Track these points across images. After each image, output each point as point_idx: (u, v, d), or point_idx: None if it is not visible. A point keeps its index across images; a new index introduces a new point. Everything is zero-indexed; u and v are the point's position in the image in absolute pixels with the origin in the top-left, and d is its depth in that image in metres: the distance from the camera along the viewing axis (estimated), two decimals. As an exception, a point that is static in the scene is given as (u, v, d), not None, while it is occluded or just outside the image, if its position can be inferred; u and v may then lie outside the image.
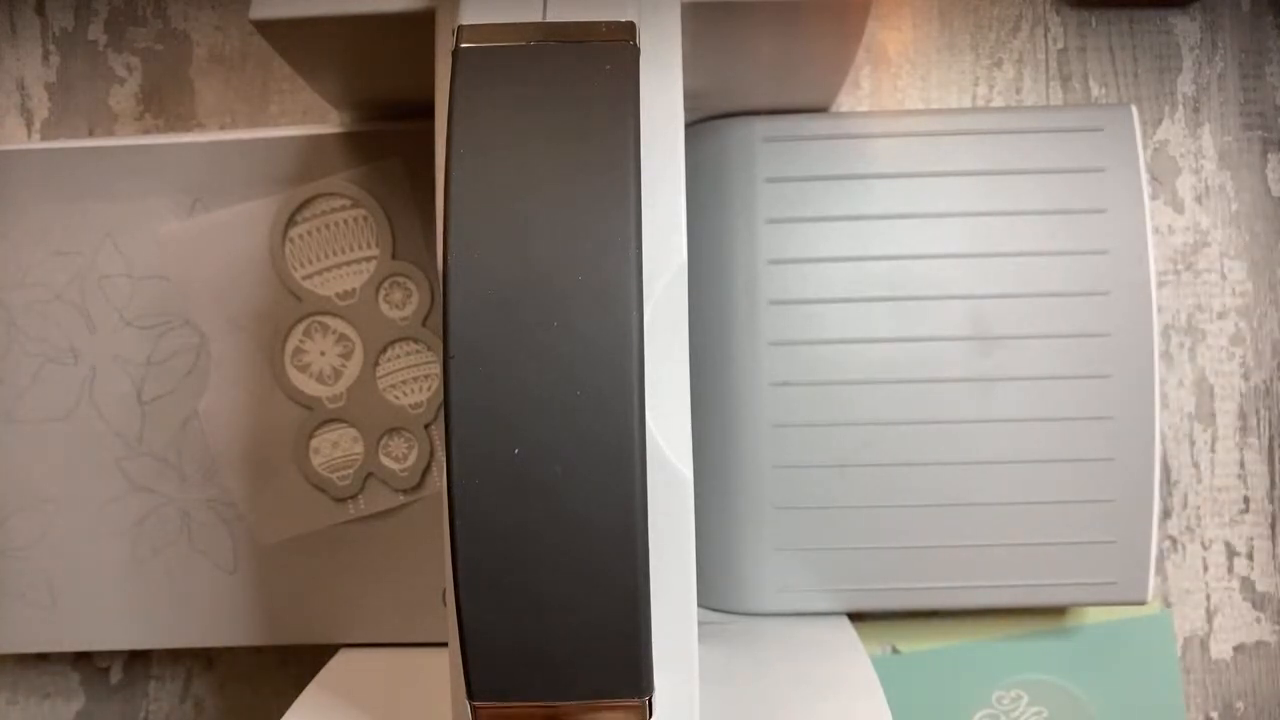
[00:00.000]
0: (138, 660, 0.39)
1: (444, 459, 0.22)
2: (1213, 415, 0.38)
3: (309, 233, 0.35)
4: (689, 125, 0.35)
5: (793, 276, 0.35)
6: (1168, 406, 0.38)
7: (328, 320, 0.35)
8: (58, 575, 0.36)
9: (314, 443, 0.35)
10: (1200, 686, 0.38)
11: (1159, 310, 0.37)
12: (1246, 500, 0.38)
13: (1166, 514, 0.38)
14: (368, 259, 0.35)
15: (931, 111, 0.38)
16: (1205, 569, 0.38)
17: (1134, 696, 0.38)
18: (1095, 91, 0.39)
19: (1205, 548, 0.38)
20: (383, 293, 0.35)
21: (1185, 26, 0.39)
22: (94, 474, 0.36)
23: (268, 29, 0.28)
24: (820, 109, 0.36)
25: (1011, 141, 0.35)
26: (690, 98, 0.27)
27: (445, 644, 0.27)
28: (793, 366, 0.35)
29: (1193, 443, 0.38)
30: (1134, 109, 0.35)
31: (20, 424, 0.36)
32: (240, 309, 0.36)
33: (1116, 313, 0.35)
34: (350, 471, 0.35)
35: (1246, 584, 0.38)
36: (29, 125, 0.40)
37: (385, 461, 0.35)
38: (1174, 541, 0.38)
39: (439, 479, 0.35)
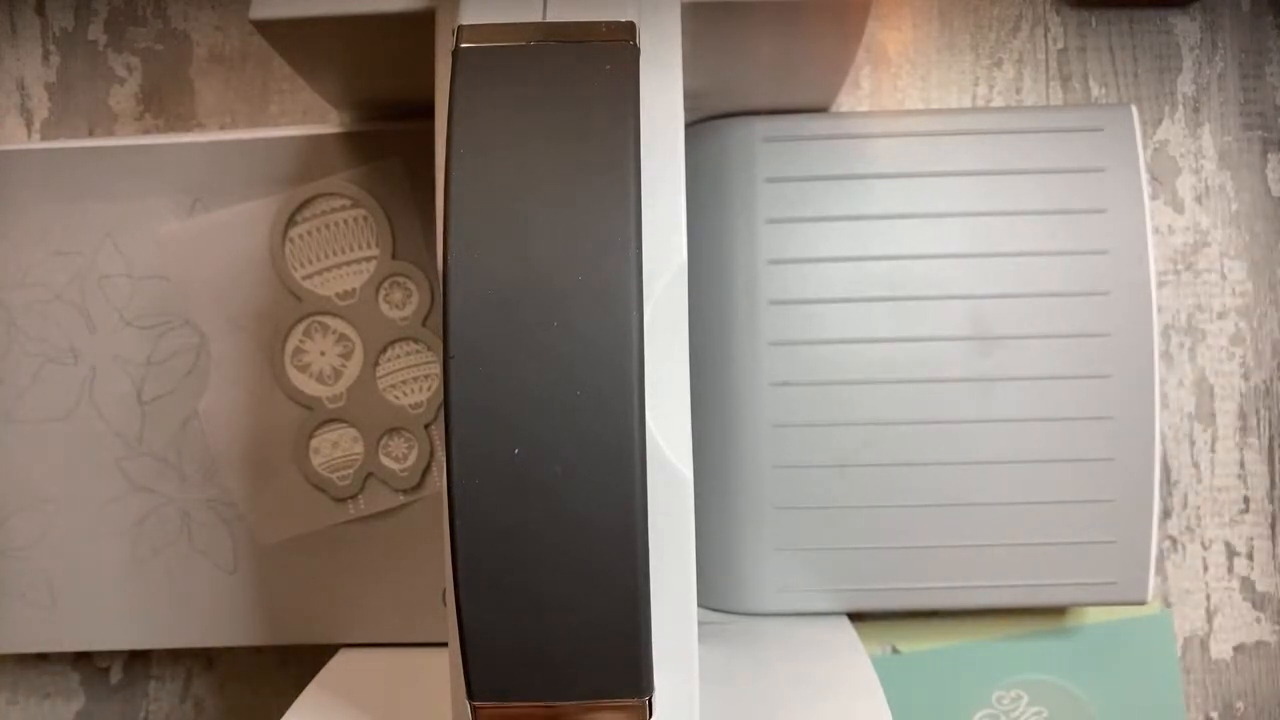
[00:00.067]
0: (138, 660, 0.39)
1: (444, 459, 0.22)
2: (1213, 415, 0.38)
3: (309, 233, 0.35)
4: (689, 125, 0.35)
5: (793, 276, 0.35)
6: (1168, 406, 0.38)
7: (328, 320, 0.35)
8: (58, 575, 0.36)
9: (314, 443, 0.35)
10: (1200, 686, 0.38)
11: (1159, 310, 0.37)
12: (1246, 500, 0.38)
13: (1166, 514, 0.38)
14: (368, 259, 0.35)
15: (931, 111, 0.38)
16: (1205, 569, 0.38)
17: (1134, 696, 0.38)
18: (1095, 91, 0.39)
19: (1205, 548, 0.38)
20: (383, 293, 0.35)
21: (1185, 26, 0.39)
22: (94, 474, 0.36)
23: (268, 29, 0.28)
24: (820, 109, 0.36)
25: (1011, 141, 0.35)
26: (690, 98, 0.27)
27: (445, 644, 0.27)
28: (793, 366, 0.35)
29: (1193, 443, 0.38)
30: (1134, 109, 0.35)
31: (20, 424, 0.36)
32: (240, 309, 0.36)
33: (1116, 313, 0.35)
34: (350, 471, 0.35)
35: (1246, 584, 0.38)
36: (29, 125, 0.40)
37: (385, 461, 0.35)
38: (1174, 541, 0.38)
39: (439, 479, 0.35)
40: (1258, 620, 0.38)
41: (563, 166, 0.22)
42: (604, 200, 0.22)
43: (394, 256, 0.35)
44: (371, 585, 0.36)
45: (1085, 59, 0.39)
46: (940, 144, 0.35)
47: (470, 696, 0.23)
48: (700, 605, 0.36)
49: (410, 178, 0.35)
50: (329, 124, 0.36)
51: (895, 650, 0.38)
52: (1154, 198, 0.38)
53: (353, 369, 0.35)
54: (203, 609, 0.36)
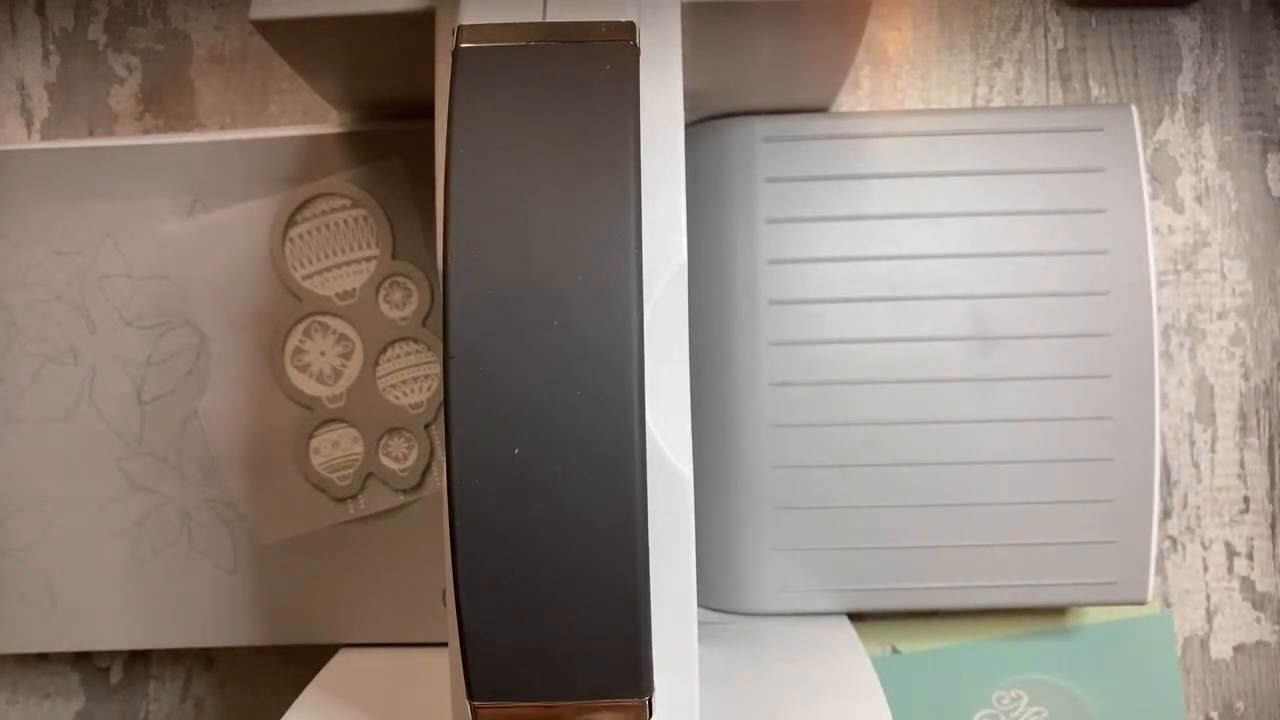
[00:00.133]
0: (138, 660, 0.39)
1: (444, 459, 0.22)
2: (1213, 415, 0.38)
3: (309, 233, 0.35)
4: (689, 125, 0.35)
5: (793, 276, 0.35)
6: (1168, 406, 0.38)
7: (328, 320, 0.35)
8: (58, 575, 0.36)
9: (314, 443, 0.35)
10: (1200, 686, 0.38)
11: (1159, 310, 0.37)
12: (1246, 500, 0.38)
13: (1166, 514, 0.38)
14: (368, 259, 0.35)
15: (931, 111, 0.38)
16: (1205, 569, 0.38)
17: (1134, 696, 0.38)
18: (1095, 91, 0.39)
19: (1205, 548, 0.38)
20: (383, 293, 0.35)
21: (1185, 26, 0.39)
22: (94, 474, 0.36)
23: (268, 29, 0.28)
24: (820, 109, 0.36)
25: (1011, 141, 0.35)
26: (690, 98, 0.27)
27: (445, 644, 0.27)
28: (793, 366, 0.35)
29: (1193, 443, 0.38)
30: (1134, 109, 0.35)
31: (20, 424, 0.36)
32: (240, 309, 0.36)
33: (1116, 313, 0.35)
34: (350, 471, 0.35)
35: (1246, 584, 0.38)
36: (29, 125, 0.40)
37: (385, 461, 0.35)
38: (1174, 541, 0.38)
39: (439, 479, 0.35)
40: (1258, 620, 0.38)
41: (563, 166, 0.22)
42: (604, 200, 0.22)
43: (394, 256, 0.35)
44: (371, 585, 0.36)
45: (1085, 59, 0.39)
46: (940, 144, 0.35)
47: (470, 696, 0.23)
48: (700, 605, 0.36)
49: (410, 178, 0.35)
50: (329, 124, 0.36)
51: (895, 650, 0.38)
52: (1154, 198, 0.38)
53: (353, 369, 0.35)
54: (203, 609, 0.36)
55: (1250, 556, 0.38)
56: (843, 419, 0.35)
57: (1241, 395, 0.38)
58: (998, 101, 0.39)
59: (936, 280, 0.35)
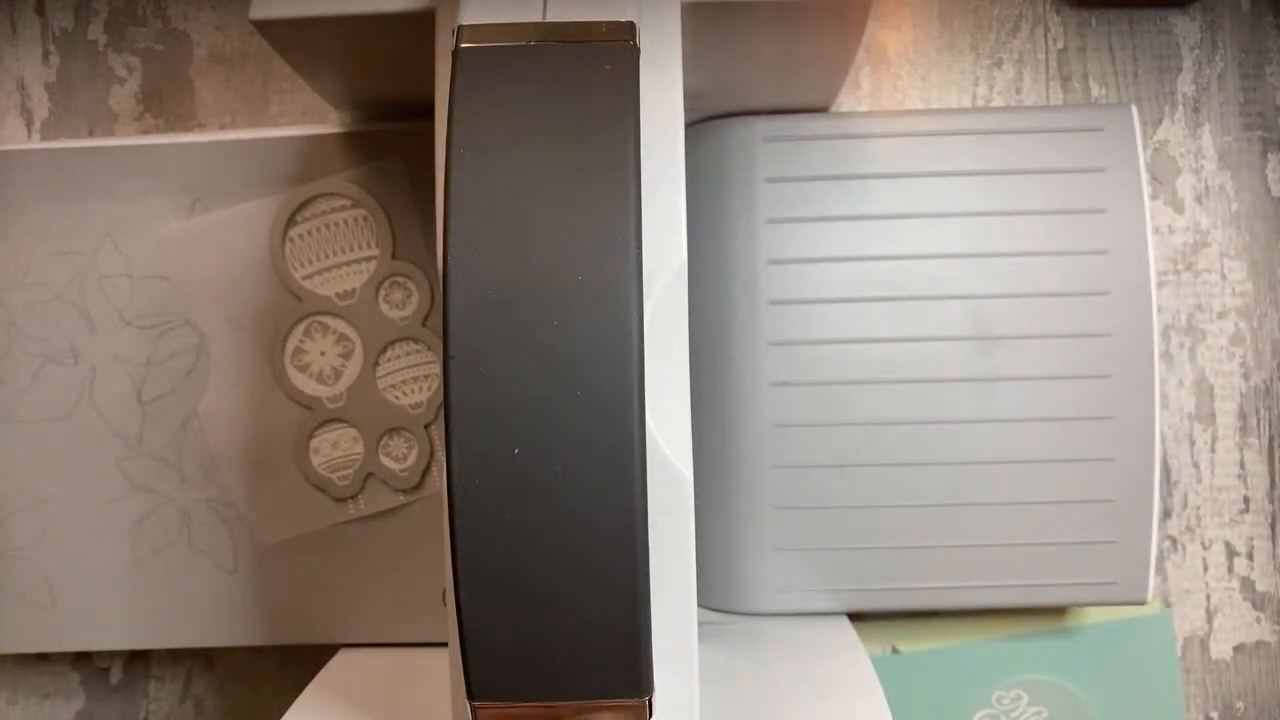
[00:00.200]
0: (138, 660, 0.39)
1: (444, 459, 0.22)
2: (1213, 415, 0.38)
3: (309, 233, 0.35)
4: (689, 125, 0.35)
5: (793, 276, 0.35)
6: (1168, 406, 0.38)
7: (328, 320, 0.36)
8: (58, 575, 0.36)
9: (314, 443, 0.35)
10: (1200, 686, 0.38)
11: (1159, 310, 0.37)
12: (1246, 500, 0.38)
13: (1166, 514, 0.38)
14: (368, 259, 0.35)
15: (931, 111, 0.38)
16: (1205, 569, 0.38)
17: (1134, 696, 0.38)
18: (1095, 91, 0.39)
19: (1205, 548, 0.38)
20: (383, 293, 0.35)
21: (1185, 26, 0.39)
22: (94, 474, 0.36)
23: (268, 29, 0.28)
24: (820, 109, 0.36)
25: (1011, 141, 0.35)
26: (690, 98, 0.27)
27: (445, 644, 0.27)
28: (793, 366, 0.35)
29: (1193, 443, 0.38)
30: (1134, 109, 0.35)
31: (20, 424, 0.36)
32: (240, 309, 0.36)
33: (1116, 313, 0.35)
34: (350, 471, 0.35)
35: (1246, 584, 0.38)
36: (29, 125, 0.40)
37: (385, 461, 0.35)
38: (1174, 541, 0.38)
39: (439, 479, 0.35)
40: (1258, 620, 0.38)
41: (563, 166, 0.22)
42: (604, 200, 0.22)
43: (394, 256, 0.35)
44: (371, 585, 0.36)
45: (1085, 59, 0.39)
46: (940, 144, 0.35)
47: (470, 696, 0.23)
48: (700, 605, 0.36)
49: (410, 178, 0.35)
50: (329, 124, 0.36)
51: (895, 650, 0.38)
52: (1154, 198, 0.38)
53: (353, 369, 0.35)
54: (203, 609, 0.36)
55: (1250, 556, 0.38)
56: (843, 419, 0.35)
57: (1241, 395, 0.38)
58: (998, 101, 0.39)
59: (936, 280, 0.35)
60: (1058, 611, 0.38)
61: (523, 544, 0.22)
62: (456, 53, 0.23)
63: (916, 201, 0.35)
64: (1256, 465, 0.38)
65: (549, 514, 0.22)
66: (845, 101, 0.39)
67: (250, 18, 0.28)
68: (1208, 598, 0.38)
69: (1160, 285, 0.38)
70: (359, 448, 0.35)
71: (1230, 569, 0.38)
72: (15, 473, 0.36)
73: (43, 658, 0.39)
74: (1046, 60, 0.39)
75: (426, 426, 0.35)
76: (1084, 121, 0.35)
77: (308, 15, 0.28)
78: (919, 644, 0.38)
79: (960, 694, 0.38)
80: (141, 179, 0.36)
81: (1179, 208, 0.38)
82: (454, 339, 0.22)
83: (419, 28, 0.27)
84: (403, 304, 0.35)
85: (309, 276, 0.35)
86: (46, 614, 0.36)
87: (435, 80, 0.27)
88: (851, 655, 0.33)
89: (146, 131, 0.39)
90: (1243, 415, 0.38)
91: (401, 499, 0.35)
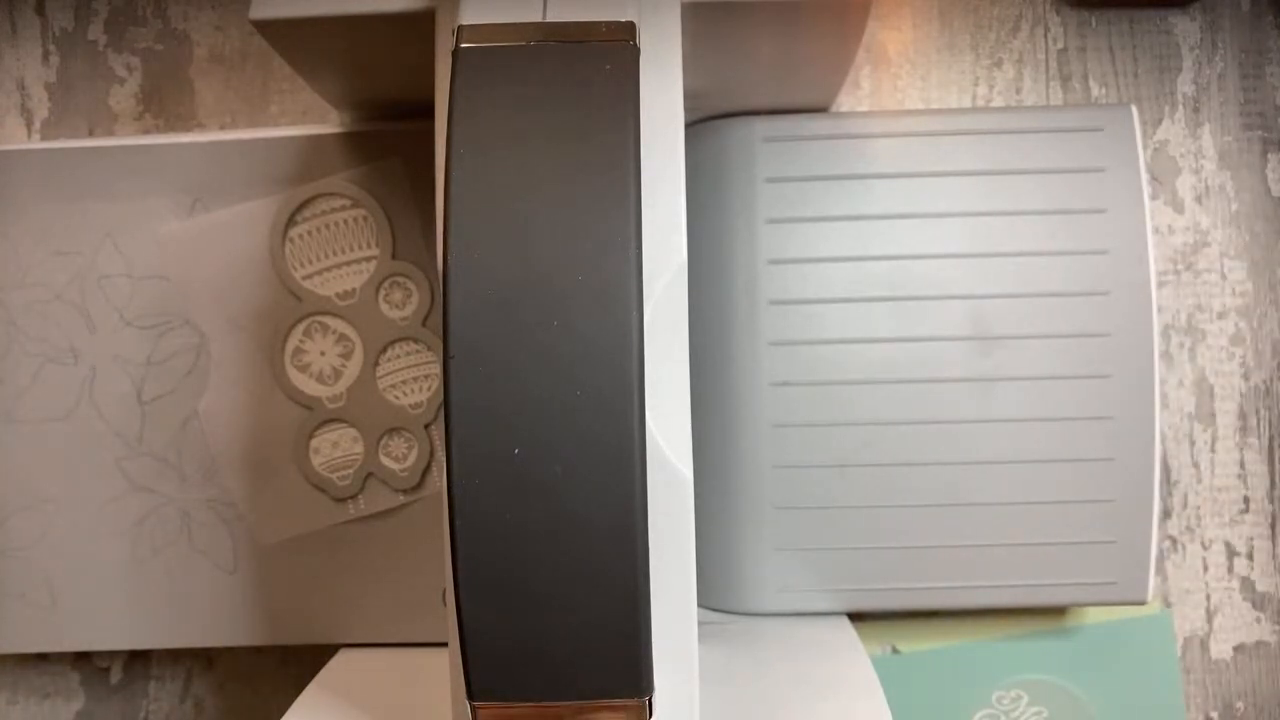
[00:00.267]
0: (138, 660, 0.39)
1: (444, 459, 0.22)
2: (1213, 415, 0.38)
3: (309, 233, 0.35)
4: (689, 125, 0.35)
5: (793, 276, 0.35)
6: (1168, 406, 0.38)
7: (328, 320, 0.36)
8: (58, 575, 0.36)
9: (314, 443, 0.35)
10: (1200, 686, 0.38)
11: (1159, 310, 0.37)
12: (1246, 500, 0.38)
13: (1166, 514, 0.38)
14: (368, 259, 0.35)
15: (931, 111, 0.38)
16: (1205, 569, 0.38)
17: (1134, 696, 0.38)
18: (1095, 91, 0.39)
19: (1205, 548, 0.38)
20: (383, 293, 0.35)
21: (1185, 26, 0.39)
22: (94, 474, 0.36)
23: (268, 29, 0.28)
24: (820, 109, 0.36)
25: (1011, 141, 0.35)
26: (690, 98, 0.27)
27: (445, 644, 0.27)
28: (793, 366, 0.35)
29: (1193, 443, 0.38)
30: (1134, 109, 0.35)
31: (20, 424, 0.36)
32: (240, 309, 0.36)
33: (1116, 313, 0.35)
34: (350, 471, 0.35)
35: (1246, 584, 0.38)
36: (29, 125, 0.40)
37: (385, 461, 0.35)
38: (1174, 541, 0.38)
39: (439, 479, 0.35)
40: (1258, 620, 0.38)
41: (563, 166, 0.22)
42: (604, 200, 0.22)
43: (394, 256, 0.35)
44: (371, 585, 0.36)
45: (1085, 59, 0.39)
46: (940, 144, 0.35)
47: (470, 696, 0.23)
48: (700, 605, 0.36)
49: (410, 178, 0.35)
50: (329, 124, 0.36)
51: (895, 650, 0.38)
52: (1154, 198, 0.38)
53: (353, 369, 0.35)
54: (203, 609, 0.36)
55: (1250, 556, 0.38)
56: (843, 419, 0.35)
57: (1241, 395, 0.38)
58: (998, 101, 0.39)
59: (936, 280, 0.35)
60: (1058, 611, 0.38)
61: (523, 544, 0.22)
62: (456, 53, 0.23)
63: (916, 201, 0.35)
64: (1256, 465, 0.38)
65: (549, 514, 0.22)
66: (845, 101, 0.39)
67: (250, 18, 0.28)
68: (1208, 598, 0.38)
69: (1160, 285, 0.38)
70: (359, 448, 0.35)
71: (1230, 569, 0.38)
72: (15, 473, 0.36)
73: (43, 658, 0.39)
74: (1046, 60, 0.39)
75: (426, 426, 0.35)
76: (1084, 121, 0.35)
77: (308, 15, 0.28)
78: (919, 644, 0.38)
79: (960, 694, 0.38)
80: (141, 179, 0.36)
81: (1179, 208, 0.38)
82: (454, 339, 0.22)
83: (419, 28, 0.27)
84: (403, 304, 0.35)
85: (309, 276, 0.35)
86: (46, 614, 0.36)
87: (435, 80, 0.27)
88: (851, 655, 0.33)
89: (146, 131, 0.39)
90: (1243, 415, 0.38)
91: (401, 499, 0.35)
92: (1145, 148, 0.38)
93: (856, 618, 0.37)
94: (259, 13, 0.28)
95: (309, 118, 0.39)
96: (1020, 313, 0.35)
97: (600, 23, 0.24)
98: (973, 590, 0.35)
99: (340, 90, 0.34)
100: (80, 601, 0.36)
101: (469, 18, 0.24)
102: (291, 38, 0.29)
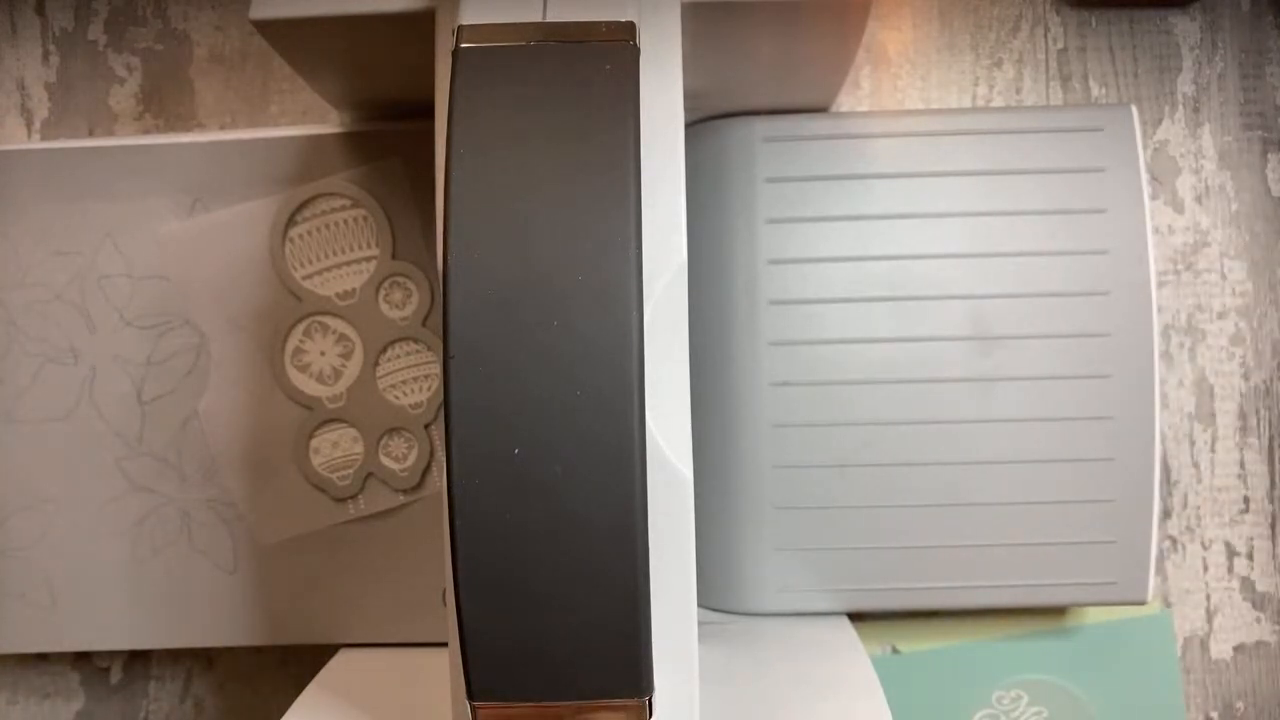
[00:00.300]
0: (138, 660, 0.39)
1: (444, 459, 0.22)
2: (1213, 415, 0.38)
3: (309, 233, 0.35)
4: (689, 125, 0.35)
5: (793, 276, 0.35)
6: (1168, 406, 0.38)
7: (328, 320, 0.36)
8: (58, 575, 0.36)
9: (314, 443, 0.35)
10: (1200, 686, 0.38)
11: (1159, 310, 0.37)
12: (1246, 500, 0.38)
13: (1166, 514, 0.38)
14: (368, 259, 0.35)
15: (931, 111, 0.38)
16: (1205, 569, 0.38)
17: (1134, 696, 0.38)
18: (1095, 91, 0.39)
19: (1205, 548, 0.38)
20: (383, 293, 0.35)
21: (1185, 26, 0.39)
22: (94, 474, 0.36)
23: (268, 29, 0.28)
24: (820, 109, 0.36)
25: (1011, 141, 0.35)
26: (690, 98, 0.27)
27: (445, 644, 0.27)
28: (793, 366, 0.35)
29: (1193, 443, 0.38)
30: (1134, 109, 0.35)
31: (20, 424, 0.36)
32: (240, 309, 0.36)
33: (1116, 313, 0.35)
34: (350, 471, 0.35)
35: (1246, 584, 0.38)
36: (29, 125, 0.40)
37: (385, 461, 0.35)
38: (1174, 541, 0.38)
39: (439, 479, 0.35)
40: (1258, 620, 0.38)
41: (563, 166, 0.22)
42: (604, 200, 0.22)
43: (394, 256, 0.35)
44: (371, 585, 0.36)
45: (1085, 59, 0.39)
46: (940, 144, 0.35)
47: (470, 696, 0.23)
48: (700, 605, 0.36)
49: (410, 178, 0.35)
50: (329, 124, 0.36)
51: (895, 650, 0.38)
52: (1154, 198, 0.38)
53: (353, 369, 0.35)
54: (203, 609, 0.36)
55: (1250, 556, 0.38)
56: (843, 419, 0.35)
57: (1241, 395, 0.38)
58: (998, 101, 0.39)
59: (936, 280, 0.35)
60: (1058, 611, 0.38)
61: (523, 544, 0.22)
62: (456, 53, 0.23)
63: (916, 201, 0.35)
64: (1256, 465, 0.38)
65: (549, 514, 0.22)
66: (845, 101, 0.39)
67: (250, 18, 0.28)
68: (1208, 598, 0.38)
69: (1160, 285, 0.38)
70: (359, 448, 0.35)
71: (1230, 569, 0.38)
72: (15, 473, 0.36)
73: (43, 658, 0.39)
74: (1046, 60, 0.39)
75: (426, 426, 0.35)
76: (1084, 121, 0.35)
77: (308, 15, 0.28)
78: (919, 644, 0.38)
79: (960, 694, 0.38)
80: (141, 179, 0.36)
81: (1179, 208, 0.38)
82: (454, 339, 0.22)
83: (419, 28, 0.27)
84: (403, 304, 0.35)
85: (309, 276, 0.35)
86: (46, 614, 0.36)
87: (435, 80, 0.27)
88: (851, 655, 0.33)
89: (146, 131, 0.39)
90: (1243, 415, 0.38)
91: (401, 499, 0.35)
92: (1145, 148, 0.38)
93: (856, 618, 0.37)
94: (259, 13, 0.28)
95: (309, 118, 0.39)
96: (1020, 313, 0.35)
97: (600, 23, 0.24)
98: (973, 590, 0.35)
99: (340, 90, 0.34)
100: (80, 601, 0.36)
101: (469, 18, 0.24)
102: (291, 38, 0.29)
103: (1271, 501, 0.38)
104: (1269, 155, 0.38)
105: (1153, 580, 0.35)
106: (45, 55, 0.40)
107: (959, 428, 0.35)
